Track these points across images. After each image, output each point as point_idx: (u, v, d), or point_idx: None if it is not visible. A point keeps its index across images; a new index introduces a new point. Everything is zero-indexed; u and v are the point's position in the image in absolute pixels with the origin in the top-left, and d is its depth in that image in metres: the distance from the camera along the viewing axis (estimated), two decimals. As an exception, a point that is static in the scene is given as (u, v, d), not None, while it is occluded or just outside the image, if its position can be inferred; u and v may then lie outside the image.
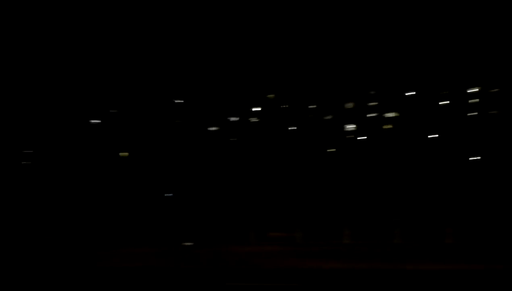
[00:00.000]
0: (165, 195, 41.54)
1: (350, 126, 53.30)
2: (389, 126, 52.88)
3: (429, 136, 50.66)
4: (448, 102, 51.98)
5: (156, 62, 46.43)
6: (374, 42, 50.75)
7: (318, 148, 50.83)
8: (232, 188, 44.70)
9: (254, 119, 52.00)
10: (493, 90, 51.79)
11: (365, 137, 52.42)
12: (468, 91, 51.93)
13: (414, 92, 52.15)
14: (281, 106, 52.11)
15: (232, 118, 51.48)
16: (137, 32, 45.71)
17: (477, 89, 51.97)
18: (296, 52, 50.48)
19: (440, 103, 52.20)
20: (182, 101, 47.86)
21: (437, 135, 50.37)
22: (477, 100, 51.93)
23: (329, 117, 52.92)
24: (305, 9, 50.21)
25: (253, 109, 52.24)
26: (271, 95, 52.87)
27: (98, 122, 45.34)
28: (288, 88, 52.17)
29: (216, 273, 12.25)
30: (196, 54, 48.66)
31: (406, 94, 52.56)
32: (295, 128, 51.41)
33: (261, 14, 49.12)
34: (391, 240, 19.23)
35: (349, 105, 53.98)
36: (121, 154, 43.89)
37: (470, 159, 50.01)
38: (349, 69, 51.76)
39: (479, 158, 49.57)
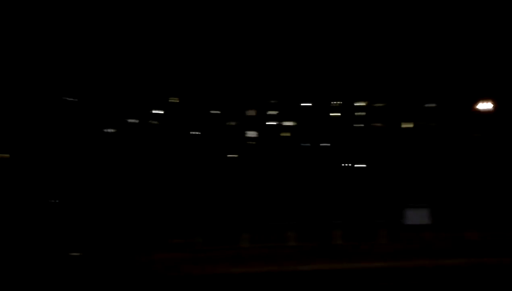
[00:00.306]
0: (51, 201, 37.83)
1: (251, 133, 54.78)
2: (287, 134, 55.65)
3: (321, 145, 54.46)
4: (339, 114, 56.56)
5: (43, 54, 42.20)
6: (274, 54, 53.07)
7: (220, 153, 51.23)
8: (130, 193, 42.55)
9: (154, 122, 50.40)
10: (378, 105, 57.71)
11: (265, 144, 54.31)
12: (356, 104, 57.11)
13: (310, 104, 55.69)
14: (184, 111, 51.42)
15: (131, 120, 49.21)
16: (21, 24, 41.15)
17: (364, 104, 57.43)
18: (201, 58, 50.35)
19: (331, 114, 56.58)
20: (74, 99, 44.28)
21: (329, 144, 54.40)
22: (363, 113, 57.37)
23: (231, 123, 53.77)
24: (213, 16, 50.42)
25: (154, 111, 50.63)
26: (174, 99, 51.86)
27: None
28: (192, 93, 51.72)
29: (114, 285, 11.46)
30: (93, 48, 45.54)
31: (302, 105, 55.87)
32: (198, 133, 51.12)
33: (170, 16, 47.99)
34: (287, 242, 20.07)
35: (251, 112, 55.53)
36: (0, 155, 38.84)
37: (356, 166, 54.96)
38: (252, 78, 53.32)
39: (364, 165, 54.71)
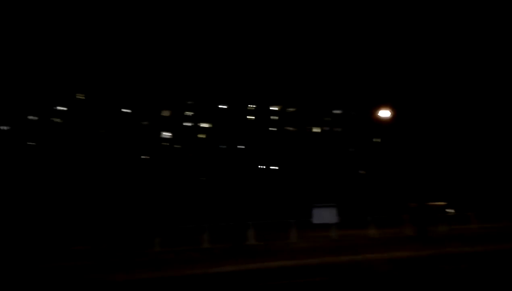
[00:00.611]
0: None
1: (166, 134, 53.35)
2: (203, 135, 55.23)
3: (238, 147, 55.05)
4: (253, 117, 57.78)
5: None
6: (191, 55, 52.44)
7: (132, 153, 48.95)
8: (27, 195, 38.63)
9: (57, 120, 46.44)
10: (290, 110, 60.18)
11: (180, 145, 53.26)
12: (271, 108, 58.91)
13: (226, 106, 55.96)
14: (91, 108, 48.17)
15: (31, 117, 44.78)
16: None
17: (277, 108, 59.42)
18: (112, 51, 47.73)
19: (247, 117, 57.62)
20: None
21: (243, 147, 55.18)
22: (276, 117, 59.37)
23: (144, 123, 51.74)
24: (125, 10, 48.13)
25: (58, 108, 46.65)
26: (80, 95, 48.37)
27: None
28: (101, 89, 48.68)
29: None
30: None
31: (219, 106, 55.93)
32: (107, 132, 48.22)
33: (74, 8, 44.67)
34: (200, 244, 19.77)
35: (166, 113, 54.06)
36: None
37: (271, 168, 56.57)
38: (167, 78, 51.91)
39: (277, 168, 56.53)
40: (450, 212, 34.50)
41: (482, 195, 44.22)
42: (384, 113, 20.91)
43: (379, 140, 58.32)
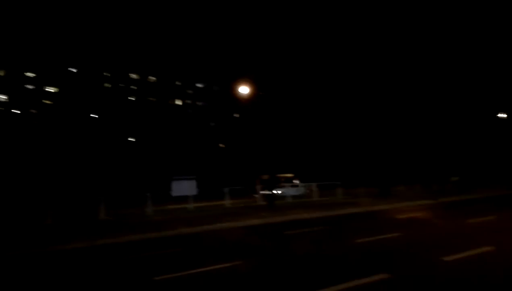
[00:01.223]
0: None
1: (1, 97, 46.02)
2: (49, 101, 49.12)
3: (91, 115, 50.64)
4: (110, 85, 53.71)
5: None
6: (35, 5, 45.64)
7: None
8: None
9: None
10: (151, 79, 57.82)
11: (20, 111, 46.63)
12: (130, 76, 55.61)
13: (76, 70, 50.50)
14: None
15: None
16: None
17: (137, 77, 56.42)
18: None
19: (103, 85, 53.24)
20: None
21: (97, 116, 51.03)
22: (136, 87, 56.43)
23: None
24: None
25: None
26: None
27: None
28: None
29: None
30: None
31: (69, 69, 50.24)
32: None
33: None
34: (44, 221, 17.74)
35: (1, 72, 46.33)
36: None
37: (128, 139, 53.82)
38: (1, 30, 44.13)
39: (134, 139, 54.12)
40: (296, 183, 37.95)
41: (324, 168, 50.16)
42: (244, 89, 21.58)
43: (238, 115, 60.68)
